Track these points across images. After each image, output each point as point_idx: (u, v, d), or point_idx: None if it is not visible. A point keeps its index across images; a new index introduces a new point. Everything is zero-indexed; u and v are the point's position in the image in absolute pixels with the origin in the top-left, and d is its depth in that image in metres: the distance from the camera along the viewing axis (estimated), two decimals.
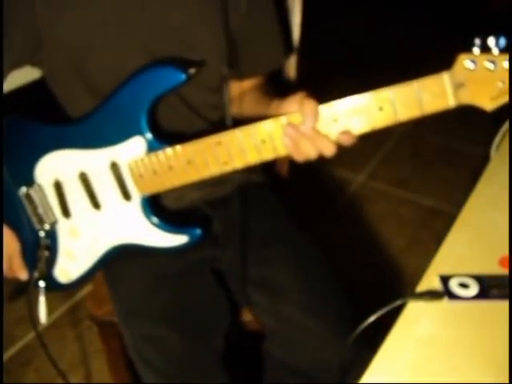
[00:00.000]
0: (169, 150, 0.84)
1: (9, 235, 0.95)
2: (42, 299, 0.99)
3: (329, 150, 0.76)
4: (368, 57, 3.30)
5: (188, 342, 0.90)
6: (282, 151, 0.79)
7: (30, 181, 0.93)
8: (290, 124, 0.76)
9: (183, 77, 0.83)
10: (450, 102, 0.71)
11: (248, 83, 1.04)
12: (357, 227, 2.08)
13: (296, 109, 0.77)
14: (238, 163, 0.81)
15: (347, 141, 0.76)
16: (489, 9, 3.51)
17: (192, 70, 0.84)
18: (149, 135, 0.86)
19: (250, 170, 1.05)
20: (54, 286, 1.00)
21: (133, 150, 0.87)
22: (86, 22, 0.86)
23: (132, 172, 0.88)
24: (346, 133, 0.75)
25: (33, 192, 0.94)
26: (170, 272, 0.97)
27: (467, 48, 0.68)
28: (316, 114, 0.75)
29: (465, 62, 0.68)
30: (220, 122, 0.99)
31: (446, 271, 0.76)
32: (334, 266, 1.01)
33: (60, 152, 0.91)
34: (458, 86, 0.69)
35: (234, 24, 0.92)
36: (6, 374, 1.56)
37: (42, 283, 0.98)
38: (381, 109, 0.73)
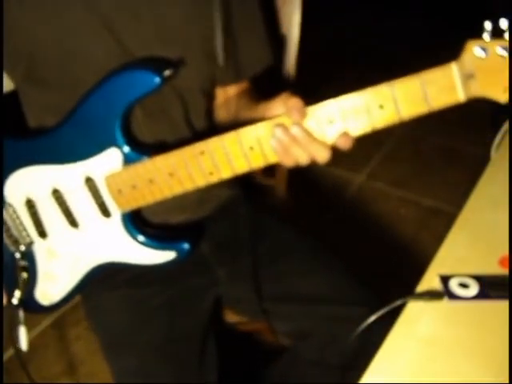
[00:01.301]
0: (148, 162, 0.77)
1: None
2: (22, 329, 0.93)
3: (322, 156, 0.69)
4: (368, 56, 3.30)
5: (180, 377, 0.86)
6: (272, 158, 0.72)
7: None
8: (278, 125, 0.69)
9: (157, 80, 0.74)
10: (460, 96, 0.63)
11: (233, 89, 0.97)
12: (356, 227, 2.08)
13: (283, 110, 0.70)
14: (225, 173, 0.74)
15: (345, 144, 0.68)
16: (489, 9, 3.52)
17: (167, 72, 0.75)
18: (125, 146, 0.78)
19: (232, 185, 1.02)
20: (35, 309, 0.95)
21: (108, 163, 0.79)
22: (71, 25, 0.79)
23: (109, 187, 0.80)
24: (344, 135, 0.68)
25: (4, 212, 0.87)
26: (154, 304, 0.92)
27: (476, 34, 0.60)
28: (301, 110, 0.67)
29: (474, 49, 0.60)
30: (206, 130, 0.94)
31: (446, 271, 0.76)
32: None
33: (29, 168, 0.83)
34: (467, 77, 0.61)
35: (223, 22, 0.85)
36: (5, 374, 1.56)
37: (20, 312, 0.92)
38: (381, 107, 0.65)
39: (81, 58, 0.81)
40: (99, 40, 0.80)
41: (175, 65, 0.79)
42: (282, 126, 0.68)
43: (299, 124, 0.68)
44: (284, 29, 1.16)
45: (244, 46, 0.92)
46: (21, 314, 0.92)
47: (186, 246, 0.85)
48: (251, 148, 0.71)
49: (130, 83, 0.76)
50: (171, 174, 0.75)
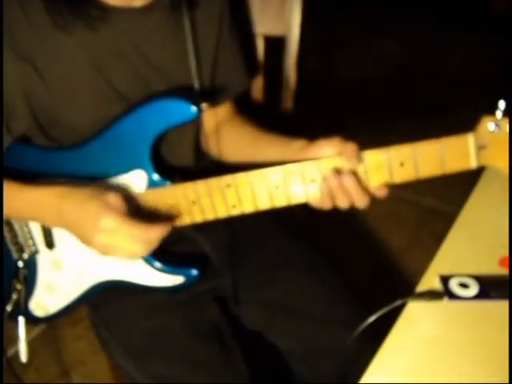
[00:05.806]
0: (173, 188, 0.78)
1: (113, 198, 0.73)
2: (22, 337, 0.92)
3: (364, 203, 0.72)
4: (368, 57, 3.30)
5: (212, 379, 0.84)
6: (294, 200, 0.74)
7: None
8: (335, 171, 0.71)
9: (194, 111, 0.75)
10: (472, 164, 0.70)
11: (222, 111, 0.98)
12: (357, 227, 2.08)
13: (330, 153, 0.72)
14: (248, 208, 0.76)
15: (382, 193, 0.72)
16: (490, 11, 3.52)
17: (204, 105, 0.77)
18: (151, 170, 0.79)
19: None
20: (28, 319, 0.94)
21: (132, 183, 0.79)
22: (62, 79, 0.78)
23: None
24: (385, 185, 0.72)
25: (14, 219, 0.87)
26: (171, 307, 0.91)
27: (491, 110, 0.68)
28: (358, 156, 0.70)
29: (489, 124, 0.68)
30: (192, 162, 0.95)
31: (446, 271, 0.76)
32: (333, 265, 1.01)
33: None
34: (480, 148, 0.69)
35: (210, 54, 0.89)
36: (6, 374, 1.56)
37: (21, 319, 0.91)
38: (402, 164, 0.71)
39: (71, 104, 0.80)
40: (89, 83, 0.80)
41: (211, 98, 0.81)
42: (337, 171, 0.71)
43: (353, 173, 0.70)
44: (284, 29, 1.16)
45: (223, 71, 0.93)
46: (21, 326, 0.92)
47: (195, 272, 0.87)
48: (276, 187, 0.73)
49: (166, 111, 0.77)
50: (194, 202, 0.77)
